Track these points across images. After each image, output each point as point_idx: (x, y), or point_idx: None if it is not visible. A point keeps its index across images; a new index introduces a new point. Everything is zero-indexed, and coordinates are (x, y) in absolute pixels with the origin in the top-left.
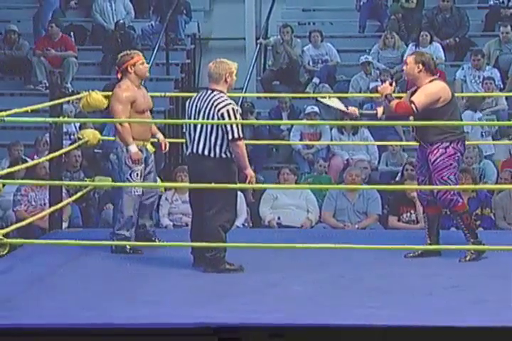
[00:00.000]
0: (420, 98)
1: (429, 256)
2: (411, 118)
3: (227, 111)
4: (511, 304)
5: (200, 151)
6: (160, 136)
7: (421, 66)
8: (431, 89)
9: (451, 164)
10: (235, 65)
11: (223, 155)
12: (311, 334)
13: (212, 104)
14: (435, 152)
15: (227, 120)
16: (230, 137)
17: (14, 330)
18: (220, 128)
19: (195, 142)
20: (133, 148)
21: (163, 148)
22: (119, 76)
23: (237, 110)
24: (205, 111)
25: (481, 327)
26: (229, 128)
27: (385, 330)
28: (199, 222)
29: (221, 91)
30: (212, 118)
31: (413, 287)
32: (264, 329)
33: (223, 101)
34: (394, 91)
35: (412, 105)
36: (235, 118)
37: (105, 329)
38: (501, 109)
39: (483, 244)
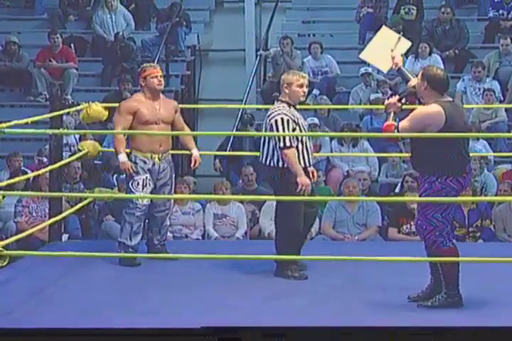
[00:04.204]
0: (405, 123)
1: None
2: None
3: (276, 121)
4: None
5: (262, 160)
6: (194, 151)
7: (426, 83)
8: (420, 114)
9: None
10: (295, 76)
11: (278, 164)
12: (311, 335)
13: (269, 114)
14: (421, 186)
15: (275, 130)
16: (281, 145)
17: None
18: (272, 138)
19: (260, 151)
20: (121, 158)
21: (192, 163)
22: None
23: (287, 120)
24: (265, 122)
25: (480, 328)
26: (280, 137)
27: (386, 331)
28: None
29: (283, 101)
30: (265, 129)
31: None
32: (265, 330)
33: (275, 111)
34: (401, 109)
35: (396, 130)
36: (283, 127)
37: (106, 329)
38: (501, 121)
39: (459, 299)
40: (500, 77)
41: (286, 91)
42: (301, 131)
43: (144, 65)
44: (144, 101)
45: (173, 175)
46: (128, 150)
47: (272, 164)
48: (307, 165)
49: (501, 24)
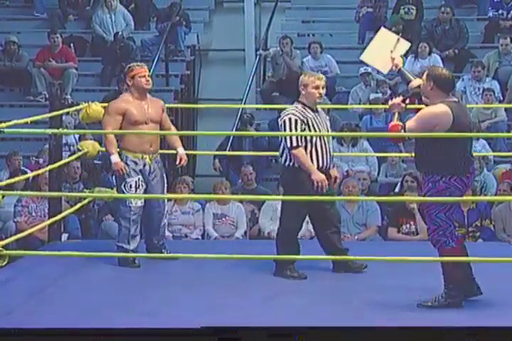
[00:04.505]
0: (412, 123)
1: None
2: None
3: (284, 121)
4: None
5: (279, 160)
6: (180, 149)
7: (432, 83)
8: (427, 114)
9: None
10: (312, 77)
11: (287, 164)
12: (311, 335)
13: (280, 114)
14: (425, 185)
15: (282, 131)
16: (288, 146)
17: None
18: (282, 138)
19: None
20: (113, 159)
21: (177, 161)
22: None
23: (295, 120)
24: None
25: (481, 328)
26: (287, 137)
27: (386, 331)
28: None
29: (299, 102)
30: (278, 129)
31: (412, 299)
32: (264, 330)
33: (286, 111)
34: (405, 109)
35: (402, 130)
36: (290, 128)
37: (106, 329)
38: (500, 121)
39: (459, 300)
40: (499, 76)
41: (303, 92)
42: (311, 132)
43: (132, 64)
44: (132, 101)
45: (164, 175)
46: (118, 150)
47: (281, 163)
48: (320, 166)
49: (501, 24)
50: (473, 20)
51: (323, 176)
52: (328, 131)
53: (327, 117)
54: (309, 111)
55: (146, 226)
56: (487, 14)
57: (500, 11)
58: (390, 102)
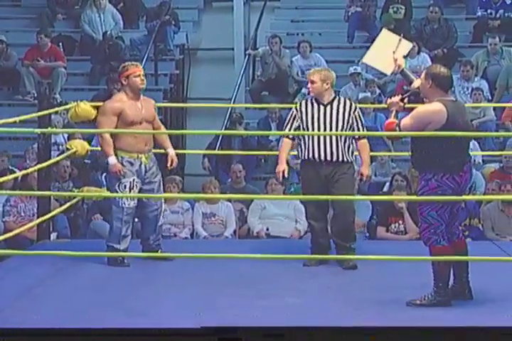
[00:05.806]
0: (407, 121)
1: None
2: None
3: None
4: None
5: None
6: (170, 150)
7: (430, 81)
8: (421, 112)
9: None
10: (313, 72)
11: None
12: (311, 335)
13: None
14: (419, 183)
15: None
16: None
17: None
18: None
19: None
20: (111, 160)
21: (169, 163)
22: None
23: (292, 112)
24: None
25: (479, 328)
26: None
27: (383, 331)
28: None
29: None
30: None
31: (402, 298)
32: (264, 330)
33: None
34: (403, 108)
35: (397, 128)
36: (287, 119)
37: (104, 329)
38: (489, 120)
39: (448, 298)
40: (488, 76)
41: (308, 86)
42: (303, 127)
43: (126, 63)
44: (127, 102)
45: (160, 173)
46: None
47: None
48: (314, 157)
49: (489, 23)
50: (462, 20)
51: (280, 167)
52: (336, 125)
53: (348, 111)
54: (315, 104)
55: (143, 226)
56: (476, 13)
57: (488, 11)
58: (388, 101)
